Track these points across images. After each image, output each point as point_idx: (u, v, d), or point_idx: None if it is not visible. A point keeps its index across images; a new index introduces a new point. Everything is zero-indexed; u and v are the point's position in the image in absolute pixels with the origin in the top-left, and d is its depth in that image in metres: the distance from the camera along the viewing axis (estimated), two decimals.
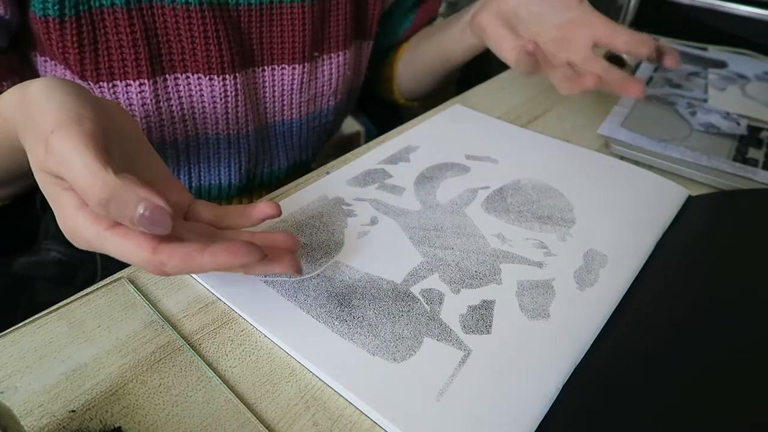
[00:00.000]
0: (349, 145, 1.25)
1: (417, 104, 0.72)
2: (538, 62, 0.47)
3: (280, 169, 0.59)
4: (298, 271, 0.29)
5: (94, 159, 0.24)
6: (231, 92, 0.48)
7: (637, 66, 0.66)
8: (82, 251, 0.56)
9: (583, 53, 0.48)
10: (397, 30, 0.65)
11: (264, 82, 0.51)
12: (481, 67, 0.64)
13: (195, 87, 0.47)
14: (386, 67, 0.69)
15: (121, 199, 0.24)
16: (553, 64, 0.48)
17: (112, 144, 0.27)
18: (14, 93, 0.30)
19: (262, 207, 0.31)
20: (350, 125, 1.27)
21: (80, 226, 0.26)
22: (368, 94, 0.74)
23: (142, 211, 0.23)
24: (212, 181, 0.54)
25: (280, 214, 0.31)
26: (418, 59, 0.65)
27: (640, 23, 0.84)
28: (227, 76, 0.47)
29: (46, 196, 0.28)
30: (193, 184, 0.54)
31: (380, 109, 0.80)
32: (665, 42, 0.74)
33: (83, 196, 0.24)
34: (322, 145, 0.65)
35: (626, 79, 0.45)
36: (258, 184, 0.59)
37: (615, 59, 0.66)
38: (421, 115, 0.55)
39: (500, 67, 0.68)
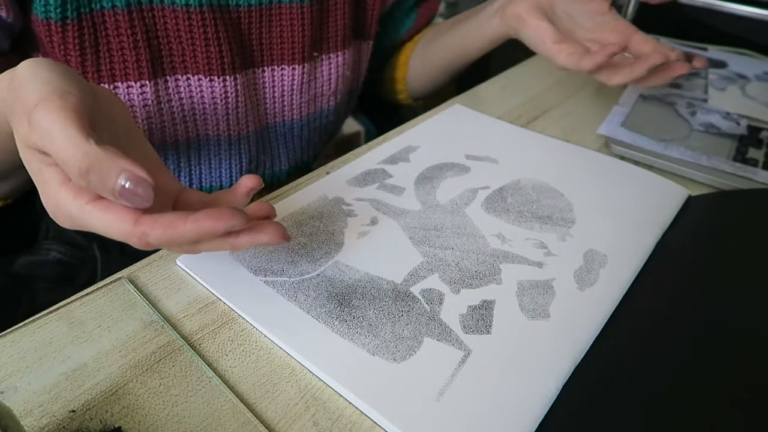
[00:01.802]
0: (349, 145, 1.25)
1: (421, 102, 0.72)
2: (582, 59, 0.49)
3: (281, 170, 0.59)
4: (286, 236, 0.28)
5: (76, 130, 0.24)
6: (231, 93, 0.48)
7: None
8: (82, 251, 0.57)
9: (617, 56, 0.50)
10: (399, 30, 0.65)
11: (264, 82, 0.52)
12: (481, 67, 0.64)
13: (195, 88, 0.47)
14: (389, 68, 0.69)
15: (102, 169, 0.23)
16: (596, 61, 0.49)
17: (100, 127, 0.27)
18: (4, 78, 0.29)
19: (243, 181, 0.31)
20: (350, 125, 1.27)
21: (62, 201, 0.25)
22: (368, 95, 0.74)
23: (123, 183, 0.23)
24: (213, 183, 0.54)
25: (261, 184, 0.31)
26: (432, 56, 0.65)
27: (640, 23, 0.84)
28: (227, 77, 0.47)
29: (31, 174, 0.27)
30: (194, 187, 0.54)
31: (380, 109, 0.80)
32: (666, 42, 0.74)
33: (65, 168, 0.24)
34: (323, 147, 0.65)
35: (671, 64, 0.48)
36: None
37: None
38: (421, 115, 0.55)
39: (500, 67, 0.68)
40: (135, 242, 0.25)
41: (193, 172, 0.53)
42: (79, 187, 0.25)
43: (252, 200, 0.60)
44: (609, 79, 0.49)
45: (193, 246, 0.27)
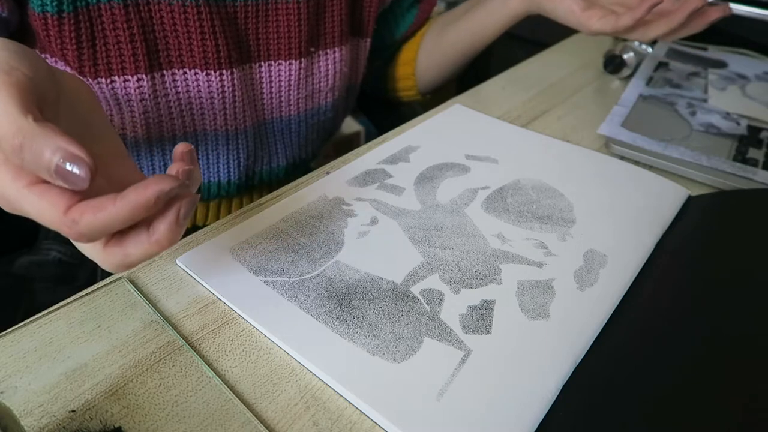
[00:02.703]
0: (349, 145, 1.25)
1: (429, 96, 0.72)
2: (619, 18, 0.50)
3: (279, 167, 0.59)
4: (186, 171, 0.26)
5: (15, 106, 0.23)
6: (228, 87, 0.49)
7: (638, 66, 0.66)
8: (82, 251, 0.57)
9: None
10: (401, 26, 0.66)
11: (261, 77, 0.52)
12: (481, 67, 0.64)
13: (192, 82, 0.48)
14: (392, 66, 0.69)
15: (36, 146, 0.22)
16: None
17: (55, 109, 0.26)
18: None
19: (176, 148, 0.28)
20: (350, 125, 1.27)
21: (1, 182, 0.24)
22: (368, 95, 0.74)
23: (57, 161, 0.22)
24: (212, 179, 0.54)
25: (189, 146, 0.28)
26: (448, 43, 0.65)
27: None
28: (224, 72, 0.48)
29: None
30: None
31: (380, 109, 0.80)
32: (665, 42, 0.74)
33: (1, 145, 0.23)
34: (322, 144, 0.65)
35: (706, 10, 0.50)
36: (257, 181, 0.59)
37: (614, 56, 0.66)
38: (421, 115, 0.55)
39: (500, 67, 0.68)
40: (66, 232, 0.23)
41: None
42: (18, 168, 0.24)
43: (251, 198, 0.60)
44: (644, 34, 0.50)
45: (122, 252, 0.25)
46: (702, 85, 0.63)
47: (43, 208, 0.23)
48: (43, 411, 0.26)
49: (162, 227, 0.25)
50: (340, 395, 0.28)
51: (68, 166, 0.22)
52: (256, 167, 0.57)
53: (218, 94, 0.49)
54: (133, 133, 0.48)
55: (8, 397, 0.27)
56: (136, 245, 0.25)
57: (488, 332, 0.31)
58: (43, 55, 0.45)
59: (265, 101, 0.53)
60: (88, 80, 0.44)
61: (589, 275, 0.36)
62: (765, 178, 0.46)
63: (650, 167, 0.48)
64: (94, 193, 0.23)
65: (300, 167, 0.62)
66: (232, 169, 0.55)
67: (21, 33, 0.45)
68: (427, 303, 0.33)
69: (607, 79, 0.67)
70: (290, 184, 0.44)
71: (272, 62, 0.51)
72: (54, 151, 0.22)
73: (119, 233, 0.25)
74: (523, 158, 0.48)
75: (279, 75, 0.52)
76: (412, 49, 0.67)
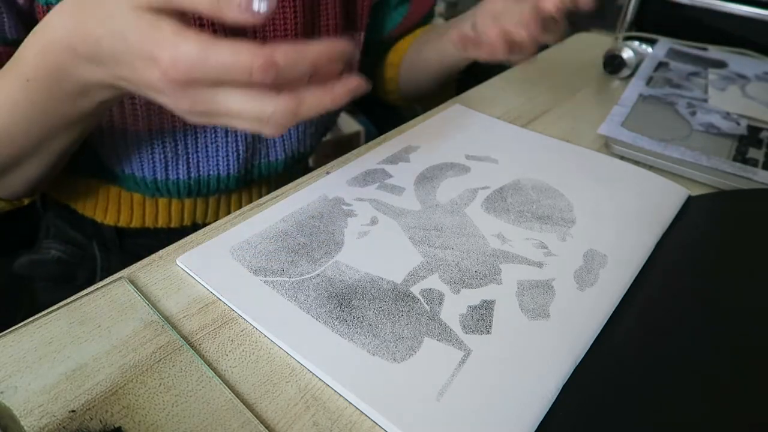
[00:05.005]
0: (349, 145, 1.25)
1: (419, 105, 0.72)
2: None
3: (277, 160, 0.59)
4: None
5: None
6: None
7: (638, 66, 0.66)
8: (82, 250, 0.57)
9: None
10: (387, 23, 0.65)
11: None
12: (481, 67, 0.64)
13: None
14: (380, 66, 0.69)
15: None
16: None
17: None
18: (34, 48, 0.33)
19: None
20: (350, 125, 1.27)
21: (181, 48, 0.26)
22: (368, 95, 0.74)
23: None
24: (211, 172, 0.55)
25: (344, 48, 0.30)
26: (419, 63, 0.65)
27: (640, 23, 0.84)
28: None
29: (139, 37, 0.28)
30: (192, 176, 0.54)
31: (380, 109, 0.80)
32: (666, 42, 0.74)
33: None
34: (320, 138, 0.65)
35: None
36: (257, 175, 0.59)
37: (614, 56, 0.66)
38: (421, 115, 0.55)
39: (500, 67, 0.68)
40: (259, 72, 0.26)
41: (191, 161, 0.53)
42: (198, 33, 0.26)
43: (250, 194, 0.60)
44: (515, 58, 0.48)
45: (297, 99, 0.28)
46: (702, 85, 0.63)
47: (238, 50, 0.26)
48: (43, 411, 0.26)
49: (339, 86, 0.30)
50: (340, 395, 0.28)
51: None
52: (254, 160, 0.58)
53: None
54: (134, 127, 0.48)
55: (8, 397, 0.27)
56: (311, 93, 0.29)
57: (488, 332, 0.31)
58: None
59: None
60: None
61: (589, 275, 0.36)
62: (765, 178, 0.46)
63: (650, 167, 0.48)
64: None
65: (299, 162, 0.62)
66: (231, 162, 0.55)
67: (32, 26, 0.45)
68: (427, 303, 0.33)
69: (607, 79, 0.67)
70: (290, 183, 0.44)
71: None
72: None
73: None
74: (523, 158, 0.48)
75: None
76: (399, 54, 0.67)
